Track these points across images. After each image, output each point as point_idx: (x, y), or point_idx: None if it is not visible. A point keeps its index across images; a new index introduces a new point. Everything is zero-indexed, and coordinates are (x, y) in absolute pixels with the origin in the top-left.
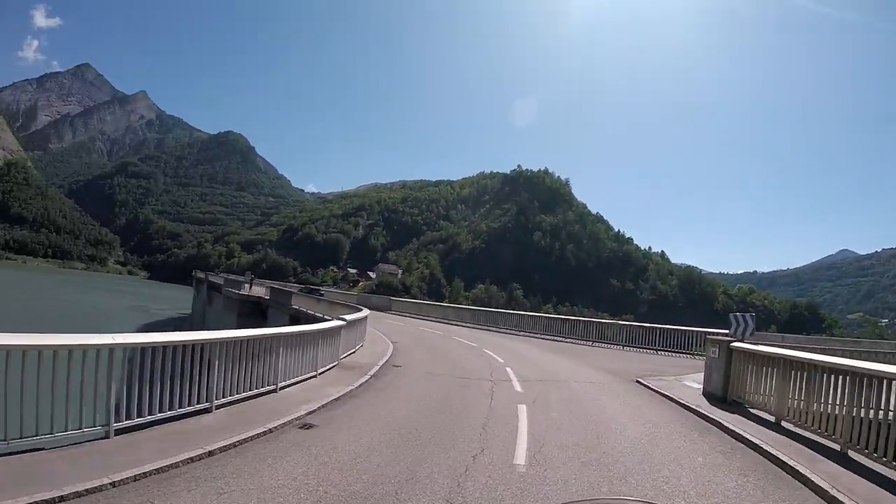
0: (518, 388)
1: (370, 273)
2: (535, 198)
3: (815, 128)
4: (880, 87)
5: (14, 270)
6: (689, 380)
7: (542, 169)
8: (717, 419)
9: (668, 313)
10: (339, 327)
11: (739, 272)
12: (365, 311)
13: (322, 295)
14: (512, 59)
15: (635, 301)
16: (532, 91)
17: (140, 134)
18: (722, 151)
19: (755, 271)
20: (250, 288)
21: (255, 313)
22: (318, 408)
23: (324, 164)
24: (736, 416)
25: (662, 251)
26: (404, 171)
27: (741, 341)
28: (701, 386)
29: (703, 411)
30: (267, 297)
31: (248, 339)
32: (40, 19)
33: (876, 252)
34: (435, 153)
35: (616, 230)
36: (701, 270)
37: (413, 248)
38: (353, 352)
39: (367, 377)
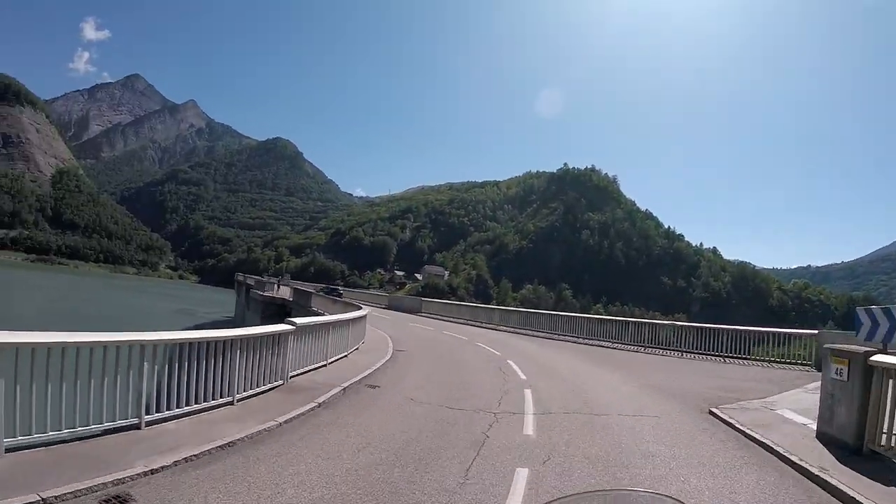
0: (529, 429)
1: (417, 275)
2: (582, 196)
3: (866, 117)
4: None
5: (66, 275)
6: (782, 406)
7: (589, 167)
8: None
9: (721, 311)
10: (285, 333)
11: (793, 267)
12: (362, 311)
13: (340, 295)
14: (555, 58)
15: (687, 299)
16: (577, 89)
17: (190, 142)
18: (772, 144)
19: (809, 265)
20: (277, 289)
21: (279, 314)
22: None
23: (371, 168)
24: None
25: (714, 247)
26: (451, 173)
27: (884, 352)
28: (809, 422)
29: (834, 482)
30: (290, 299)
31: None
32: (90, 32)
33: None
34: (481, 154)
35: (666, 227)
36: (754, 266)
37: (460, 250)
38: (324, 365)
39: (312, 405)
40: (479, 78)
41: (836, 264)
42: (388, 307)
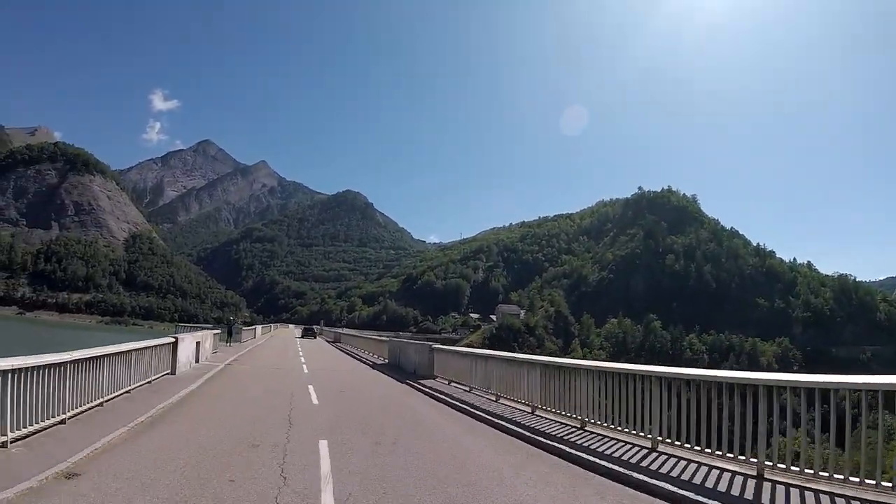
0: None
1: (492, 316)
2: (661, 219)
3: None
4: None
5: (139, 334)
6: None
7: (666, 188)
8: None
9: (826, 330)
10: None
11: (881, 278)
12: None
13: (314, 334)
14: (611, 81)
15: (787, 321)
16: (637, 111)
17: (263, 201)
18: (842, 154)
19: (891, 276)
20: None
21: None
22: None
23: (443, 214)
24: None
25: (809, 262)
26: (522, 212)
27: None
28: None
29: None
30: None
31: None
32: (159, 103)
33: None
34: (550, 190)
35: (755, 244)
36: (855, 278)
37: (536, 287)
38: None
39: None
40: (538, 111)
41: None
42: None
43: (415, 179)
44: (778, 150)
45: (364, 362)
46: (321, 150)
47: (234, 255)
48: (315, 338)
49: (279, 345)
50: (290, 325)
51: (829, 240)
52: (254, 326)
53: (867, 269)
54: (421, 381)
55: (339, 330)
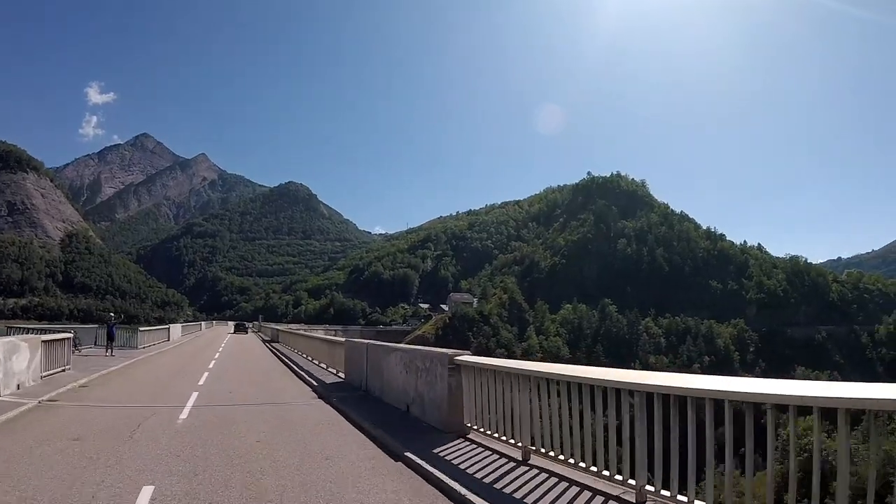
0: None
1: (443, 306)
2: (611, 204)
3: (870, 109)
4: None
5: None
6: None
7: (615, 173)
8: None
9: (780, 312)
10: None
11: (821, 261)
12: None
13: (246, 329)
14: (555, 70)
15: (741, 303)
16: (582, 99)
17: (204, 195)
18: (787, 141)
19: (839, 258)
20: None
21: None
22: None
23: (388, 205)
24: None
25: (759, 244)
26: (469, 200)
27: None
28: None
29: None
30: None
31: None
32: (95, 96)
33: None
34: (497, 178)
35: (705, 227)
36: (806, 259)
37: (487, 274)
38: None
39: None
40: (485, 100)
41: (867, 253)
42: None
43: (358, 170)
44: (724, 137)
45: (306, 381)
46: (262, 141)
47: (174, 251)
48: (246, 332)
49: (190, 352)
50: (230, 323)
51: (776, 224)
52: (166, 326)
53: (811, 252)
54: (440, 452)
55: (278, 326)
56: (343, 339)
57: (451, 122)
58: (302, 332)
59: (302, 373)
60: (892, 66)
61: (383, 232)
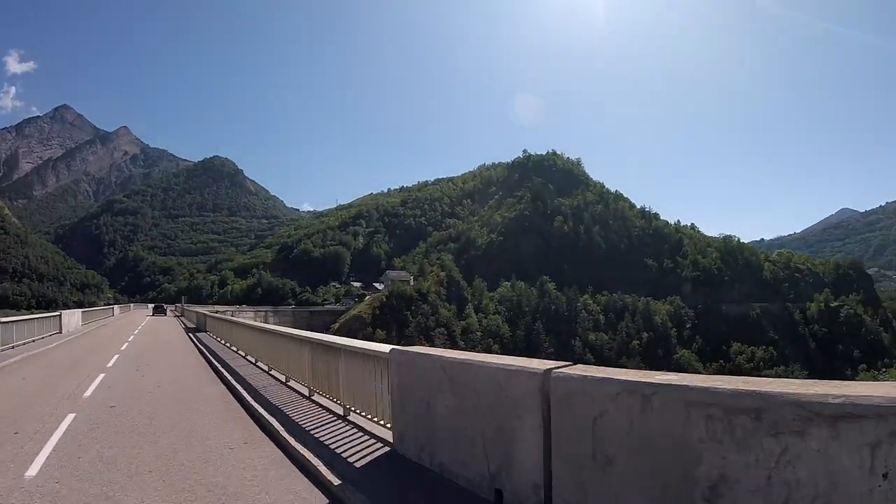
0: None
1: (376, 284)
2: (548, 182)
3: (797, 97)
4: (867, 49)
5: None
6: None
7: (550, 151)
8: None
9: (715, 289)
10: None
11: (745, 242)
12: None
13: (164, 311)
14: (498, 49)
15: (677, 280)
16: (521, 80)
17: (125, 171)
18: (711, 126)
19: (762, 239)
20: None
21: None
22: None
23: (317, 181)
24: None
25: (692, 223)
26: (401, 178)
27: None
28: None
29: None
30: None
31: None
32: (14, 65)
33: (881, 206)
34: (430, 156)
35: (640, 206)
36: (739, 239)
37: (421, 251)
38: None
39: None
40: (418, 78)
41: (789, 235)
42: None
43: (285, 145)
44: (656, 120)
45: (295, 460)
46: (187, 113)
47: (94, 230)
48: (165, 314)
49: (74, 357)
50: (150, 306)
51: (702, 206)
52: (57, 313)
53: (735, 233)
54: None
55: (204, 310)
56: (329, 341)
57: (380, 98)
58: (245, 321)
59: (274, 424)
60: (818, 62)
61: (312, 209)
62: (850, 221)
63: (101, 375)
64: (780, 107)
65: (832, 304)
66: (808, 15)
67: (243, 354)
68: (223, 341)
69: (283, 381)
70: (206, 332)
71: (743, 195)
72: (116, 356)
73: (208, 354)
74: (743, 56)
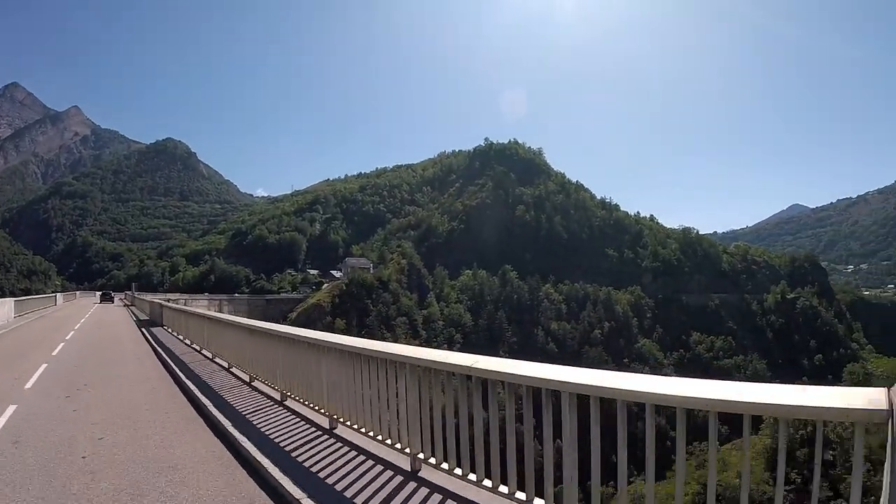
0: None
1: (333, 272)
2: (510, 170)
3: (753, 97)
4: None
5: None
6: None
7: (512, 140)
8: None
9: (675, 279)
10: None
11: (706, 233)
12: None
13: (112, 298)
14: (458, 38)
15: (638, 271)
16: (481, 69)
17: (75, 152)
18: (668, 123)
19: (715, 232)
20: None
21: None
22: None
23: (272, 166)
24: None
25: (652, 215)
26: (359, 164)
27: None
28: None
29: None
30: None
31: None
32: None
33: (831, 203)
34: (389, 143)
35: (600, 197)
36: (698, 231)
37: (380, 239)
38: None
39: None
40: (376, 63)
41: (742, 229)
42: None
43: (240, 129)
44: (615, 114)
45: None
46: (140, 93)
47: (42, 214)
48: (112, 302)
49: None
50: (97, 293)
51: (663, 198)
52: None
53: (695, 224)
54: None
55: (158, 299)
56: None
57: (338, 83)
58: (228, 317)
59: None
60: (772, 57)
61: (266, 195)
62: (801, 217)
63: (9, 410)
64: (736, 106)
65: (788, 296)
66: (764, 15)
67: (227, 366)
68: (190, 342)
69: (327, 426)
70: (162, 326)
71: (698, 190)
72: (44, 366)
73: (175, 368)
74: (703, 54)
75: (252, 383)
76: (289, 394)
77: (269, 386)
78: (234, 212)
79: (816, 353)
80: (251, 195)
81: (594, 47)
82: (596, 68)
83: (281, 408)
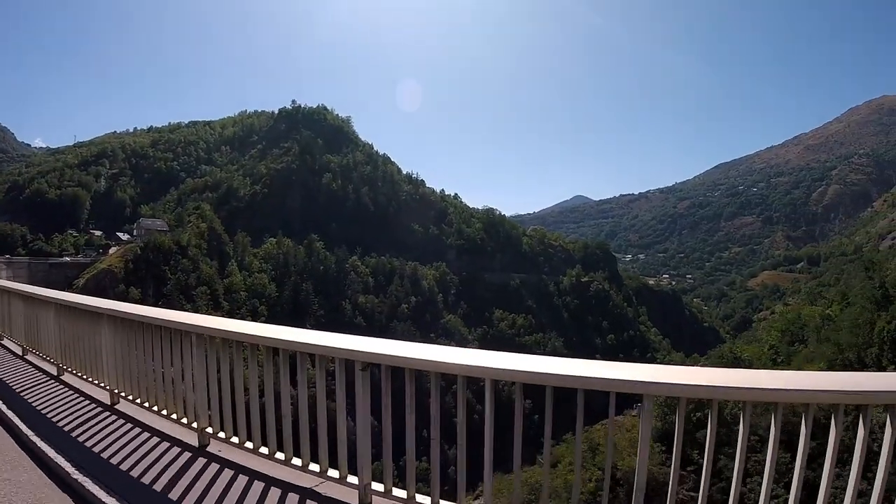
0: None
1: (120, 234)
2: (317, 137)
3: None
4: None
5: None
6: None
7: (321, 105)
8: None
9: (479, 258)
10: None
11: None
12: None
13: None
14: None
15: (443, 247)
16: (287, 31)
17: None
18: (466, 107)
19: (503, 214)
20: None
21: None
22: None
23: (53, 113)
24: None
25: (456, 193)
26: (151, 117)
27: None
28: None
29: None
30: None
31: None
32: None
33: (614, 197)
34: (182, 97)
35: (407, 172)
36: (501, 212)
37: (173, 199)
38: None
39: None
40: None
41: (529, 214)
42: None
43: (14, 66)
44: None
45: None
46: None
47: None
48: None
49: None
50: None
51: (470, 178)
52: None
53: (500, 207)
54: None
55: None
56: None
57: (126, 25)
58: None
59: None
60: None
61: (45, 146)
62: (584, 207)
63: None
64: (525, 97)
65: (583, 279)
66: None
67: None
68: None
69: (108, 402)
70: None
71: (485, 174)
72: None
73: None
74: (515, 46)
75: (25, 356)
76: (66, 367)
77: (45, 359)
78: (10, 162)
79: (609, 334)
80: (28, 145)
81: (411, 23)
82: (409, 56)
83: (58, 383)
